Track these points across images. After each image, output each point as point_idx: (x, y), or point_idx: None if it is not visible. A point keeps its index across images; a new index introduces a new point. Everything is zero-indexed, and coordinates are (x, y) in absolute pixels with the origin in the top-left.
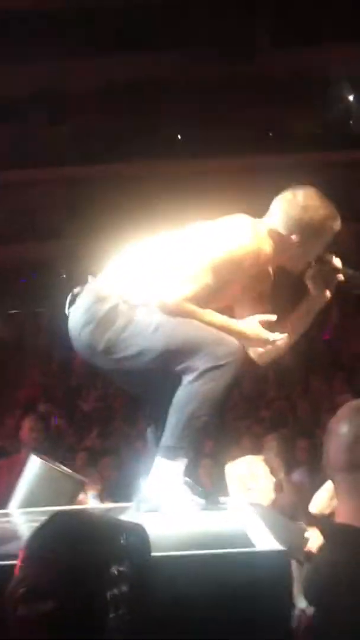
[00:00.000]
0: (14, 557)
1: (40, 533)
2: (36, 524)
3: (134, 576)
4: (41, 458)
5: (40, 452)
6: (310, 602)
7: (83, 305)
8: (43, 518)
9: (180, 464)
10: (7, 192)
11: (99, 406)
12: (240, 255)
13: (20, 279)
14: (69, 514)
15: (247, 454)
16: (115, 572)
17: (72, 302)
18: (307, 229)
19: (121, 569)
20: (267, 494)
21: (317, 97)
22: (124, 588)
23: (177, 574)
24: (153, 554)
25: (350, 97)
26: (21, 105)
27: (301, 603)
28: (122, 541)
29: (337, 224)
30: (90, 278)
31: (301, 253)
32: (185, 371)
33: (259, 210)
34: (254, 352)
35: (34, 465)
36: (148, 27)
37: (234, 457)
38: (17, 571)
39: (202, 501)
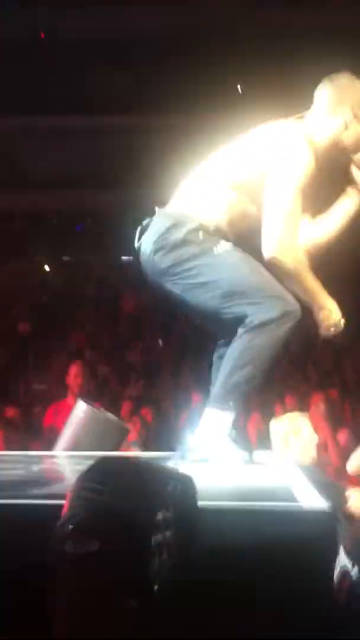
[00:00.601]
0: (62, 496)
1: (89, 475)
2: (82, 467)
3: (179, 523)
4: (88, 404)
5: (86, 398)
6: (354, 561)
7: (158, 231)
8: (89, 462)
9: (229, 416)
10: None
11: (144, 358)
12: (308, 173)
13: (75, 226)
14: (118, 458)
15: (292, 411)
16: (161, 518)
17: (142, 233)
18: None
19: (167, 515)
20: (310, 452)
21: None
22: (169, 534)
23: (223, 525)
24: (199, 503)
25: None
26: (84, 49)
27: (343, 562)
28: (169, 488)
29: None
30: (159, 208)
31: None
32: (242, 317)
33: None
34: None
35: (80, 410)
36: None
37: (279, 414)
38: (65, 510)
39: (246, 455)
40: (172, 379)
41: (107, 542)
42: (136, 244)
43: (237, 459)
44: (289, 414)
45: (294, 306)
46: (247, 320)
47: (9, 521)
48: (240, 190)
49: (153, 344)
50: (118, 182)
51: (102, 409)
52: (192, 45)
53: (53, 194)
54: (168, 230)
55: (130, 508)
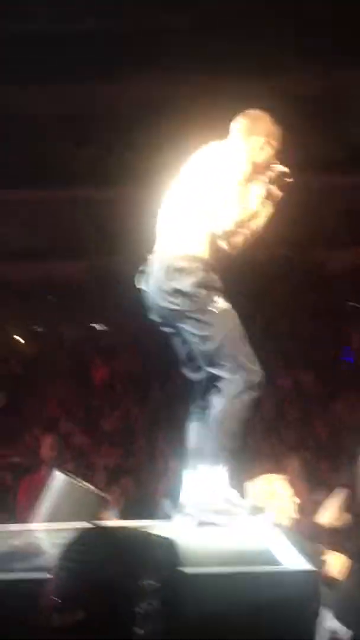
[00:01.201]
0: (43, 569)
1: (72, 546)
2: (63, 539)
3: (164, 590)
4: (65, 474)
5: (62, 469)
6: (348, 625)
7: (161, 278)
8: (68, 533)
9: (225, 470)
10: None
11: (120, 425)
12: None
13: (44, 295)
14: (100, 528)
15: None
16: (144, 586)
17: (141, 277)
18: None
19: (152, 582)
20: (288, 514)
21: None
22: (153, 602)
23: (208, 591)
24: (182, 569)
25: None
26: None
27: (333, 627)
28: (153, 556)
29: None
30: (154, 251)
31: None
32: (222, 377)
33: None
34: (228, 244)
35: (58, 481)
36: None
37: (255, 476)
38: (50, 583)
39: (247, 506)
40: (147, 447)
41: (92, 611)
42: (140, 286)
43: (239, 510)
44: (265, 476)
45: (262, 377)
46: (225, 385)
47: None
48: (201, 206)
49: (127, 413)
50: (85, 252)
51: (79, 479)
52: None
53: (20, 265)
54: (171, 277)
55: (114, 577)
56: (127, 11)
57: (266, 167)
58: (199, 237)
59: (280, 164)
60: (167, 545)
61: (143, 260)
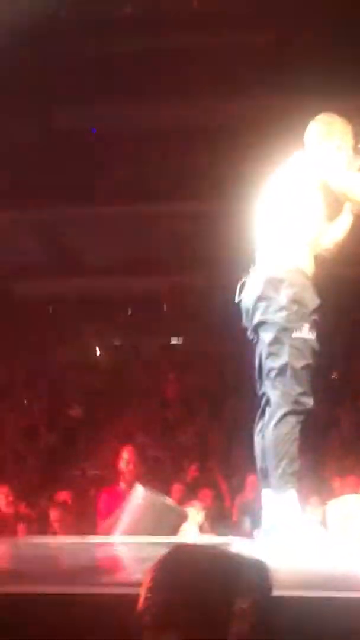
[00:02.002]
0: (127, 584)
1: (163, 565)
2: (147, 553)
3: (256, 613)
4: (146, 489)
5: (143, 484)
6: None
7: (256, 292)
8: (150, 547)
9: (293, 496)
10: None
11: (195, 440)
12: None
13: (125, 311)
14: (190, 547)
15: (349, 493)
16: (238, 609)
17: (241, 290)
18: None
19: (244, 605)
20: None
21: None
22: (246, 625)
23: (299, 614)
24: (275, 591)
25: None
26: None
27: None
28: (244, 577)
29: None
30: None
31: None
32: (275, 396)
33: None
34: (321, 248)
35: (139, 496)
36: None
37: (335, 496)
38: (142, 600)
39: (321, 533)
40: (223, 462)
41: (184, 633)
42: (237, 299)
43: (313, 537)
44: (345, 496)
45: (310, 404)
46: (273, 408)
47: (80, 611)
48: (296, 217)
49: (204, 427)
50: (167, 267)
51: (161, 494)
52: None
53: (103, 280)
54: (270, 286)
55: (206, 599)
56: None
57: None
58: (302, 250)
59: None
60: (259, 566)
61: (221, 276)
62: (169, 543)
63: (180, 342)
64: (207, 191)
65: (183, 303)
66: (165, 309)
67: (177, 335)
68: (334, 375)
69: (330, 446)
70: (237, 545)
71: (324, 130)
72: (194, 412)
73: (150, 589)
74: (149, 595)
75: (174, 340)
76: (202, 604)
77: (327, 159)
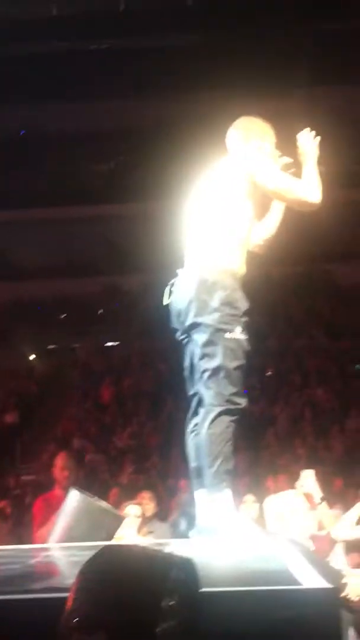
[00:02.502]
0: (63, 589)
1: (91, 566)
2: (79, 558)
3: (183, 611)
4: (82, 493)
5: (79, 488)
6: None
7: (188, 294)
8: (85, 552)
9: (227, 494)
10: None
11: (132, 443)
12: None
13: (59, 314)
14: (119, 548)
15: (284, 490)
16: (166, 606)
17: (168, 291)
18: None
19: (171, 603)
20: (306, 531)
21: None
22: (174, 622)
23: (227, 610)
24: (202, 588)
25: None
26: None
27: None
28: (172, 575)
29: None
30: (184, 265)
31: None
32: (208, 397)
33: None
34: (252, 245)
35: (74, 500)
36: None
37: (272, 493)
38: (69, 602)
39: (256, 531)
40: (161, 463)
41: (113, 633)
42: (166, 300)
43: (246, 534)
44: (284, 492)
45: (243, 404)
46: (207, 408)
47: (11, 617)
48: (226, 219)
49: (140, 429)
50: (99, 270)
51: (96, 498)
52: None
53: (36, 284)
54: (202, 289)
55: (133, 598)
56: (139, 30)
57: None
58: (233, 251)
59: (282, 155)
60: (186, 565)
61: (157, 278)
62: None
63: (116, 344)
64: (139, 193)
65: (119, 305)
66: (99, 312)
67: (113, 337)
68: (268, 373)
69: (265, 444)
70: (171, 546)
71: (242, 135)
72: (130, 414)
73: (78, 590)
74: (77, 596)
75: (110, 343)
76: (130, 603)
77: (249, 160)
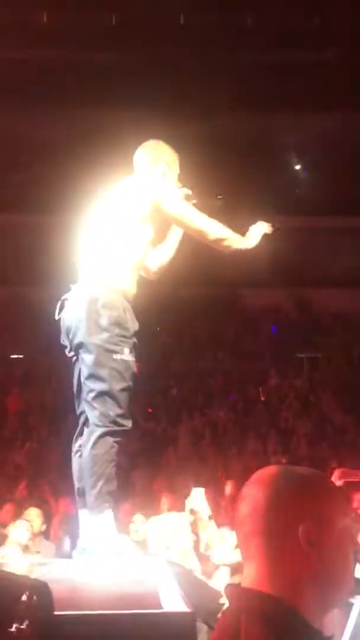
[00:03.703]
0: None
1: None
2: None
3: (34, 634)
4: None
5: None
6: None
7: (78, 313)
8: None
9: (108, 516)
10: None
11: (31, 458)
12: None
13: None
14: None
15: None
16: (14, 630)
17: (60, 306)
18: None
19: (22, 627)
20: (187, 554)
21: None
22: None
23: (82, 634)
24: (58, 612)
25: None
26: None
27: None
28: (24, 599)
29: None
30: (76, 281)
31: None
32: (93, 417)
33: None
34: (146, 270)
35: None
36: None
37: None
38: None
39: (136, 552)
40: (58, 480)
41: None
42: (58, 315)
43: (128, 554)
44: (166, 514)
45: (129, 425)
46: (91, 428)
47: None
48: (122, 239)
49: (40, 444)
50: (6, 279)
51: None
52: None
53: None
54: (91, 308)
55: None
56: (58, 43)
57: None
58: (126, 272)
59: (183, 186)
60: (39, 588)
61: (63, 290)
62: None
63: (21, 357)
64: (46, 204)
65: (21, 316)
66: (5, 323)
67: (17, 350)
68: (173, 392)
69: (163, 463)
70: (50, 565)
71: (151, 157)
72: (31, 429)
73: None
74: None
75: (14, 355)
76: None
77: (155, 185)
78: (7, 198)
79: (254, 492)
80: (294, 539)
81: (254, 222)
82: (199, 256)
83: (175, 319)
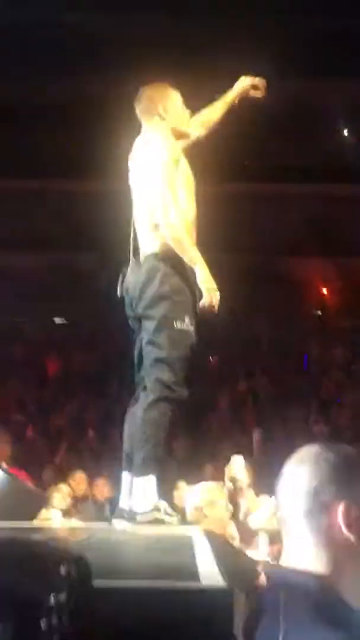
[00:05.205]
0: None
1: None
2: None
3: (72, 606)
4: (3, 471)
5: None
6: None
7: (138, 284)
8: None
9: (153, 481)
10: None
11: (71, 421)
12: (169, 154)
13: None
14: (6, 541)
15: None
16: (53, 603)
17: (122, 282)
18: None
19: (60, 599)
20: (223, 523)
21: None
22: (63, 618)
23: (119, 606)
24: (95, 583)
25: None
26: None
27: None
28: (61, 571)
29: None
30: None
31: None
32: (151, 381)
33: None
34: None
35: None
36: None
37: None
38: None
39: (175, 518)
40: (98, 444)
41: None
42: (119, 290)
43: (167, 520)
44: (204, 484)
45: (185, 394)
46: (148, 393)
47: None
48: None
49: (81, 407)
50: (50, 245)
51: (18, 478)
52: None
53: None
54: (146, 284)
55: (20, 593)
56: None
57: (185, 130)
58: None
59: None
60: (76, 559)
61: (108, 256)
62: (25, 528)
63: (64, 322)
64: (96, 171)
65: (68, 282)
66: (48, 288)
67: (61, 315)
68: (211, 359)
69: (204, 431)
70: (89, 530)
71: (144, 106)
72: (73, 393)
73: None
74: None
75: (58, 320)
76: (13, 598)
77: (151, 146)
78: (47, 163)
79: (295, 471)
80: (333, 519)
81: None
82: (247, 222)
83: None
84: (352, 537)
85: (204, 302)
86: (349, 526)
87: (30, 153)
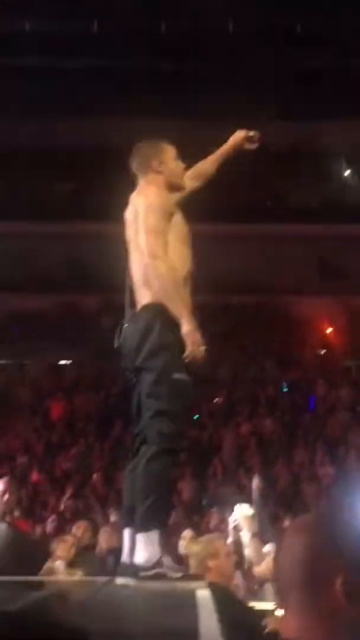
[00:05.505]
0: None
1: None
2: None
3: None
4: (8, 527)
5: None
6: None
7: (134, 339)
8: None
9: (155, 536)
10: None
11: (77, 465)
12: (159, 204)
13: (11, 329)
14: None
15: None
16: None
17: (120, 333)
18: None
19: None
20: (228, 574)
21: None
22: None
23: None
24: None
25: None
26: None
27: None
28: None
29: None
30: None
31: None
32: (149, 433)
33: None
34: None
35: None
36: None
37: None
38: None
39: (178, 573)
40: (103, 489)
41: None
42: (116, 343)
43: (169, 576)
44: (206, 536)
45: (184, 446)
46: (148, 445)
47: None
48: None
49: (87, 451)
50: (57, 287)
51: (23, 530)
52: None
53: None
54: (145, 335)
55: None
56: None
57: (180, 183)
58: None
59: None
60: (79, 624)
61: (113, 298)
62: (30, 582)
63: (69, 363)
64: (104, 212)
65: (72, 324)
66: (53, 329)
67: (66, 356)
68: (216, 400)
69: (209, 474)
70: (89, 586)
71: (139, 162)
72: (78, 435)
73: None
74: None
75: (62, 361)
76: None
77: (143, 200)
78: (59, 207)
79: (292, 542)
80: (331, 591)
81: None
82: (247, 264)
83: (223, 328)
84: (351, 608)
85: (187, 355)
86: (347, 597)
87: (36, 196)
